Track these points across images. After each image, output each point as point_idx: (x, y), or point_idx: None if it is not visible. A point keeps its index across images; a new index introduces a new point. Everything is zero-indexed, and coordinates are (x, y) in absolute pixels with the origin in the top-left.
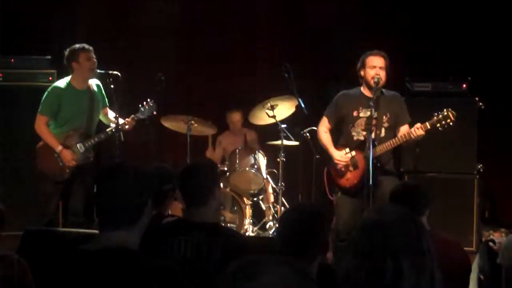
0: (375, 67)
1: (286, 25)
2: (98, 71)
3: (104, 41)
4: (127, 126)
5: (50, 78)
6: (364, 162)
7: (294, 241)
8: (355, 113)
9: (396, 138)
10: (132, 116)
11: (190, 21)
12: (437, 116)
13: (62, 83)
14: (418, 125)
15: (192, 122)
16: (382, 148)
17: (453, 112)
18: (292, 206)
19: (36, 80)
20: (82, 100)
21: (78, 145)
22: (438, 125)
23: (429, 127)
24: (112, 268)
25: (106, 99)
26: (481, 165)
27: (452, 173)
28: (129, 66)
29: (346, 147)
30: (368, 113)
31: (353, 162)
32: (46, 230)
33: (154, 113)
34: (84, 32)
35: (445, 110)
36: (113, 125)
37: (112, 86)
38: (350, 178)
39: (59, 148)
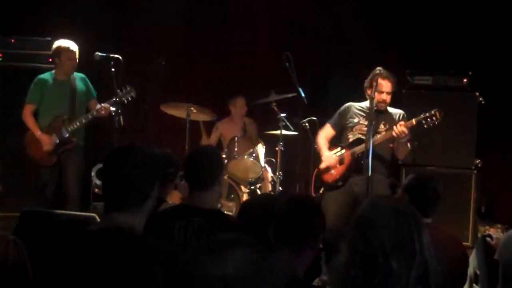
0: (383, 92)
1: (288, 14)
2: (100, 54)
3: (105, 24)
4: (103, 112)
5: (50, 60)
6: (350, 158)
7: (285, 230)
8: (356, 120)
9: (379, 135)
10: (108, 102)
11: (193, 7)
12: (424, 114)
13: (46, 74)
14: (402, 122)
15: (192, 108)
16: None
17: (441, 112)
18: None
19: (36, 61)
20: (63, 90)
21: (62, 130)
22: (424, 122)
23: (414, 123)
24: (116, 248)
25: (93, 91)
26: (479, 160)
27: (450, 167)
28: (130, 50)
29: (338, 147)
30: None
31: (340, 159)
32: (43, 212)
33: (133, 95)
34: (86, 15)
35: (433, 110)
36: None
37: (113, 69)
38: (334, 173)
39: (38, 133)
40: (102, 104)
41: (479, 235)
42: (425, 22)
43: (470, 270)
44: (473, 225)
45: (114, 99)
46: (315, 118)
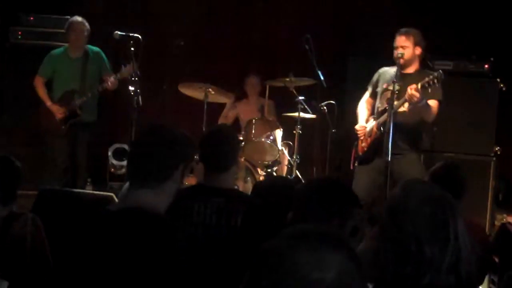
0: (397, 47)
1: None
2: (119, 33)
3: (124, 3)
4: (109, 83)
5: (68, 44)
6: (375, 130)
7: (311, 215)
8: (384, 86)
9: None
10: (115, 76)
11: None
12: (428, 77)
13: (59, 49)
14: (413, 86)
15: (210, 90)
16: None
17: (441, 73)
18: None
19: (55, 39)
20: (74, 66)
21: (71, 103)
22: (427, 85)
23: (419, 86)
24: (134, 229)
25: (107, 65)
26: (498, 148)
27: (469, 154)
28: (149, 30)
29: (372, 118)
30: (397, 87)
31: (369, 131)
32: (61, 190)
33: (137, 71)
34: None
35: (436, 73)
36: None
37: (132, 48)
38: (364, 145)
39: (48, 103)
40: (108, 82)
41: (497, 223)
42: (447, 6)
43: None
44: (491, 213)
45: (119, 75)
46: (333, 102)
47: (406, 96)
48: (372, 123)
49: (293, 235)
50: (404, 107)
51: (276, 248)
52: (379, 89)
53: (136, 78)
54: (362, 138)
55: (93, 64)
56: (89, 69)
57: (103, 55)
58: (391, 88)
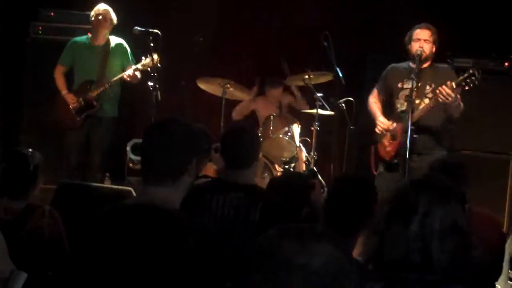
0: (419, 40)
1: None
2: (139, 28)
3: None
4: (128, 75)
5: (89, 34)
6: (401, 132)
7: (344, 213)
8: (399, 85)
9: (428, 101)
10: (134, 67)
11: None
12: (463, 75)
13: (81, 38)
14: (444, 86)
15: (228, 85)
16: (418, 112)
17: (478, 70)
18: (341, 176)
19: (75, 35)
20: (94, 54)
21: (87, 93)
22: (464, 83)
23: (454, 86)
24: (149, 224)
25: (130, 57)
26: None
27: (488, 152)
28: (169, 26)
29: (388, 119)
30: (414, 83)
31: (393, 133)
32: (80, 184)
33: (158, 65)
34: None
35: (471, 70)
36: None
37: (152, 44)
38: (389, 150)
39: (64, 92)
40: (126, 73)
41: None
42: (467, 4)
43: (506, 256)
44: (509, 211)
45: (139, 66)
46: (351, 99)
47: (441, 98)
48: (392, 126)
49: (280, 230)
50: (426, 103)
51: (264, 241)
52: (395, 89)
53: (155, 74)
54: (385, 138)
55: (115, 55)
56: (110, 59)
57: (127, 46)
58: (406, 86)
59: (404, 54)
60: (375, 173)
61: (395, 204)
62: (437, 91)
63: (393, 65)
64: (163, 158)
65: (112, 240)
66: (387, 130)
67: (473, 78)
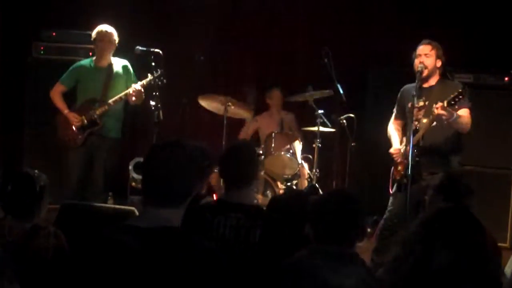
0: (420, 55)
1: (327, 9)
2: (140, 48)
3: (145, 19)
4: (134, 90)
5: (90, 54)
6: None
7: (334, 227)
8: (410, 105)
9: (428, 119)
10: (140, 83)
11: (231, 3)
12: (453, 93)
13: (86, 60)
14: (438, 105)
15: (229, 103)
16: (419, 133)
17: (465, 87)
18: (326, 193)
19: (77, 55)
20: (99, 75)
21: (90, 112)
22: (453, 102)
23: (446, 105)
24: (163, 246)
25: (133, 78)
26: None
27: (489, 167)
28: (169, 45)
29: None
30: (421, 103)
31: (405, 153)
32: (83, 204)
33: (163, 80)
34: (126, 9)
35: (460, 88)
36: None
37: (153, 63)
38: (400, 169)
39: (65, 111)
40: (131, 88)
41: None
42: (466, 19)
43: (508, 272)
44: None
45: (143, 82)
46: (352, 115)
47: (435, 117)
48: (404, 146)
49: (313, 252)
50: (425, 122)
51: (299, 263)
52: (405, 108)
53: (157, 93)
54: (399, 160)
55: (119, 76)
56: (113, 80)
57: (130, 68)
58: (416, 105)
59: (405, 70)
60: (391, 192)
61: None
62: (433, 110)
63: (405, 86)
64: (168, 183)
65: (119, 263)
66: (399, 156)
67: (461, 96)
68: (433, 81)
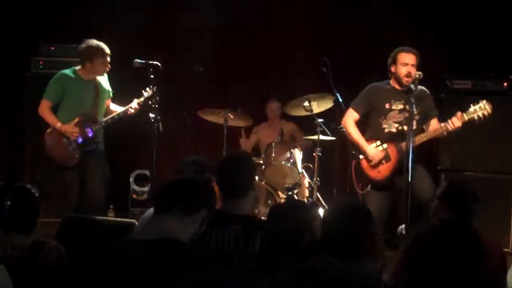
0: (407, 64)
1: (324, 19)
2: (139, 61)
3: (143, 32)
4: (132, 110)
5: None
6: (396, 155)
7: (342, 242)
8: (387, 106)
9: (434, 129)
10: (137, 101)
11: (230, 12)
12: (474, 107)
13: (68, 70)
14: (459, 114)
15: (229, 115)
16: (419, 138)
17: (489, 103)
18: (334, 205)
19: None
20: (88, 89)
21: (86, 129)
22: (476, 116)
23: (466, 118)
24: (164, 258)
25: (111, 91)
26: None
27: (490, 172)
28: (168, 57)
29: (376, 140)
30: (400, 106)
31: (386, 155)
32: (84, 218)
33: (157, 98)
34: (124, 23)
35: (480, 102)
36: (121, 109)
37: (152, 76)
38: (382, 170)
39: (58, 124)
40: (131, 105)
41: None
42: (464, 25)
43: (510, 277)
44: None
45: (141, 100)
46: None
47: (451, 127)
48: (382, 147)
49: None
50: (429, 134)
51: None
52: (379, 110)
53: (156, 105)
54: (377, 162)
55: (103, 90)
56: (101, 93)
57: (108, 80)
58: (395, 107)
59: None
60: (359, 191)
61: None
62: (449, 121)
63: (374, 84)
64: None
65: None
66: (380, 160)
67: (485, 112)
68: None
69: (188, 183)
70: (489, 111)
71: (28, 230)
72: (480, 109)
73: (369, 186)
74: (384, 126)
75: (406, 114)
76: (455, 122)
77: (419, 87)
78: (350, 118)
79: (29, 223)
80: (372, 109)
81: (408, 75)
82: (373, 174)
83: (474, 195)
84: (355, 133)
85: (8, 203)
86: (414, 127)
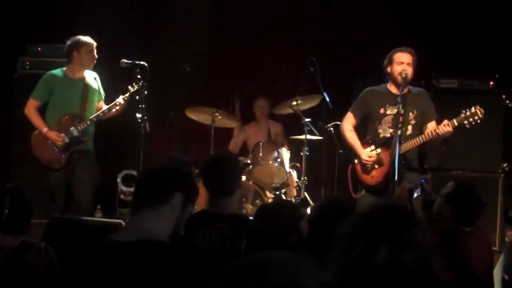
0: (402, 63)
1: (313, 19)
2: (126, 61)
3: (130, 31)
4: (118, 107)
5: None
6: (389, 159)
7: (325, 239)
8: (381, 110)
9: (423, 135)
10: (122, 96)
11: (218, 13)
12: (465, 113)
13: (57, 71)
14: (446, 122)
15: (217, 114)
16: (408, 145)
17: (481, 109)
18: (318, 204)
19: None
20: (75, 88)
21: (71, 129)
22: (466, 122)
23: (456, 124)
24: (145, 260)
25: (103, 93)
26: (506, 164)
27: (477, 171)
28: (155, 56)
29: (371, 145)
30: (395, 110)
31: (379, 159)
32: (71, 218)
33: (145, 93)
34: (111, 23)
35: (473, 107)
36: (105, 107)
37: (139, 76)
38: (375, 175)
39: (44, 129)
40: (116, 101)
41: (507, 239)
42: (451, 24)
43: (498, 276)
44: (500, 229)
45: (126, 96)
46: (339, 123)
47: (441, 132)
48: (376, 152)
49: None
50: (420, 139)
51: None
52: (375, 114)
53: (143, 105)
54: (369, 166)
55: (92, 89)
56: (89, 92)
57: (99, 80)
58: (390, 112)
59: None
60: (354, 196)
61: None
62: (439, 127)
63: (370, 89)
64: (146, 185)
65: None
66: (375, 162)
67: (476, 117)
68: (406, 88)
69: (154, 171)
70: (481, 116)
71: (19, 231)
72: (472, 115)
73: (363, 191)
74: (380, 131)
75: (401, 119)
76: (444, 128)
77: (418, 89)
78: (347, 122)
79: (20, 225)
80: (368, 113)
81: (401, 75)
82: (367, 179)
83: (481, 203)
84: (350, 137)
85: (6, 205)
86: (410, 131)
